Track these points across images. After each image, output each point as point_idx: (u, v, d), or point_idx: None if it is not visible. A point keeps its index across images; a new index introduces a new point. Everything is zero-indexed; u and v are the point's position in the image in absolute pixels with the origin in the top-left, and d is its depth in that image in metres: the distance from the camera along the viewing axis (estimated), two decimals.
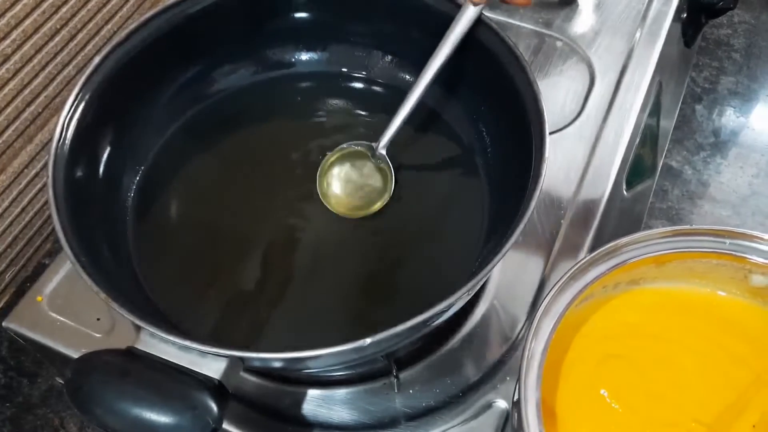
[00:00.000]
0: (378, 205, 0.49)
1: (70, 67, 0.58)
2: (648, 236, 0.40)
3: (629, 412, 0.37)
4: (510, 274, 0.51)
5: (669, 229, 0.39)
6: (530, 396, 0.34)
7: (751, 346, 0.39)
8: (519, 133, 0.44)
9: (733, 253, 0.39)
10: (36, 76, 0.55)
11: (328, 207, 0.49)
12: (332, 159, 0.51)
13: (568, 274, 0.38)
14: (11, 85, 0.53)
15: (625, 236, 0.40)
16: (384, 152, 0.49)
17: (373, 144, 0.50)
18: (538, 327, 0.36)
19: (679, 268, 0.40)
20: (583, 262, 0.39)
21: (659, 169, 0.74)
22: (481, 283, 0.38)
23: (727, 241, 0.39)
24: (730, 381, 0.38)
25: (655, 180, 0.71)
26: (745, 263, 0.39)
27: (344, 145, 0.51)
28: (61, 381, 0.59)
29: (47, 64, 0.56)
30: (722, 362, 0.39)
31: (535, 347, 0.36)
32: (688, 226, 0.40)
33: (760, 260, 0.39)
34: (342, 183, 0.50)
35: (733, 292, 0.41)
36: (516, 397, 0.35)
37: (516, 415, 0.35)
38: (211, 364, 0.35)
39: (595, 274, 0.39)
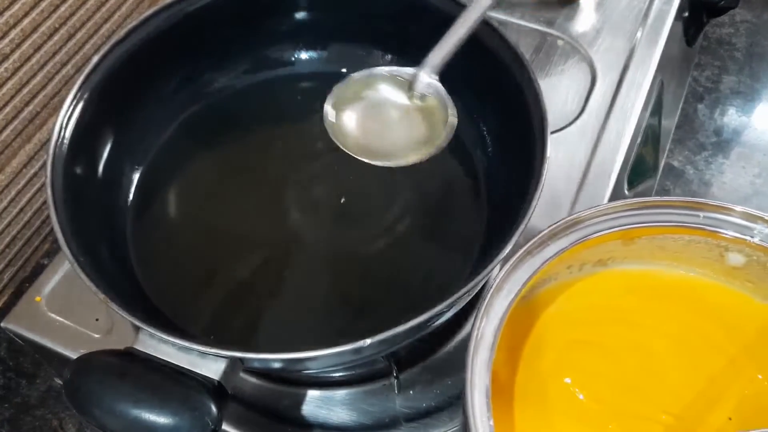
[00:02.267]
0: (417, 156, 0.36)
1: (69, 66, 0.58)
2: (613, 208, 0.36)
3: (594, 402, 0.35)
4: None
5: (636, 200, 0.35)
6: (477, 380, 0.31)
7: (726, 332, 0.36)
8: (520, 132, 0.44)
9: (707, 227, 0.36)
10: (35, 75, 0.55)
11: (344, 148, 0.37)
12: (352, 88, 0.38)
13: (524, 249, 0.34)
14: (10, 84, 0.53)
15: (588, 208, 0.36)
16: (437, 80, 0.37)
17: (413, 70, 0.37)
18: (489, 305, 0.33)
19: (649, 247, 0.37)
20: (540, 236, 0.35)
21: (661, 168, 0.73)
22: (481, 284, 0.38)
23: (701, 214, 0.36)
24: (704, 369, 0.35)
25: (656, 180, 0.71)
26: (720, 239, 0.36)
27: (372, 71, 0.38)
28: (59, 382, 0.59)
29: (46, 63, 0.56)
30: (696, 349, 0.36)
31: (486, 327, 0.32)
32: (657, 198, 0.36)
33: (737, 235, 0.36)
34: (364, 122, 0.37)
35: (708, 274, 0.38)
36: (465, 381, 0.32)
37: (464, 399, 0.32)
38: (211, 364, 0.35)
39: (555, 250, 0.35)
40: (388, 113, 0.37)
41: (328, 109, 0.38)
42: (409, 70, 0.37)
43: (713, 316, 0.37)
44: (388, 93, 0.38)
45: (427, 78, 0.37)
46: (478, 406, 0.30)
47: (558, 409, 0.35)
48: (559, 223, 0.36)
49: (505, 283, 0.34)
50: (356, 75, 0.38)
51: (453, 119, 0.36)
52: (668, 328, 0.37)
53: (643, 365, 0.36)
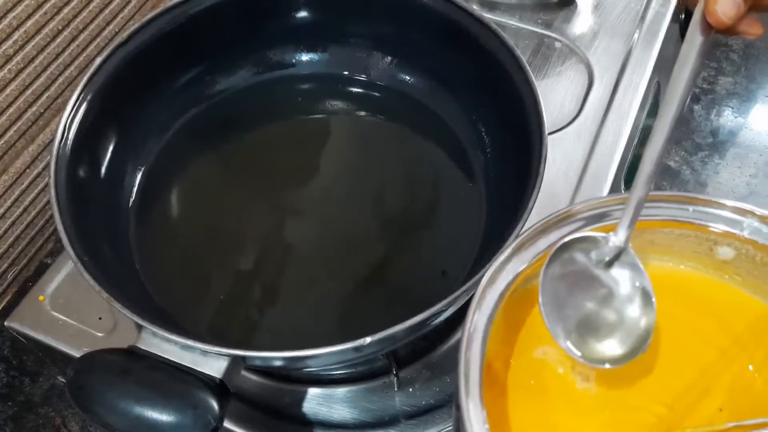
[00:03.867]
0: (637, 350, 0.33)
1: (72, 67, 0.58)
2: (604, 203, 0.36)
3: (587, 392, 0.35)
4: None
5: (627, 195, 0.35)
6: (471, 372, 0.31)
7: (717, 324, 0.37)
8: (518, 133, 0.44)
9: (697, 221, 0.36)
10: (38, 76, 0.55)
11: (575, 353, 0.33)
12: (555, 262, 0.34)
13: (517, 242, 0.35)
14: (13, 85, 0.53)
15: (580, 202, 0.36)
16: (630, 246, 0.34)
17: (606, 234, 0.34)
18: (482, 297, 0.33)
19: (639, 241, 0.36)
20: (532, 229, 0.35)
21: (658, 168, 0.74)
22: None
23: (690, 208, 0.36)
24: (696, 360, 0.36)
25: (653, 180, 0.71)
26: (710, 233, 0.36)
27: (569, 238, 0.34)
28: (62, 380, 0.59)
29: (49, 64, 0.56)
30: (687, 340, 0.36)
31: (479, 319, 0.32)
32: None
33: (726, 229, 0.36)
34: (577, 305, 0.34)
35: (698, 267, 0.38)
36: (458, 373, 0.32)
37: (457, 392, 0.32)
38: (213, 363, 0.36)
39: (547, 243, 0.35)
40: (595, 285, 0.34)
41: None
42: (601, 236, 0.34)
43: (704, 309, 0.37)
44: (584, 260, 0.34)
45: (624, 242, 0.34)
46: (471, 398, 0.30)
47: (551, 399, 0.35)
48: (550, 217, 0.36)
49: (498, 276, 0.34)
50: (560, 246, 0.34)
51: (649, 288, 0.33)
52: (659, 319, 0.36)
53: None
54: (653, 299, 0.34)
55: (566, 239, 0.34)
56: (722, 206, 0.36)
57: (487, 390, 0.31)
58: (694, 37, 0.32)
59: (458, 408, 0.31)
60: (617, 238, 0.34)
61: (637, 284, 0.34)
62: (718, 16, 0.31)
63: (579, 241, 0.34)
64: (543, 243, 0.35)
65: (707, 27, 0.31)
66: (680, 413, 0.34)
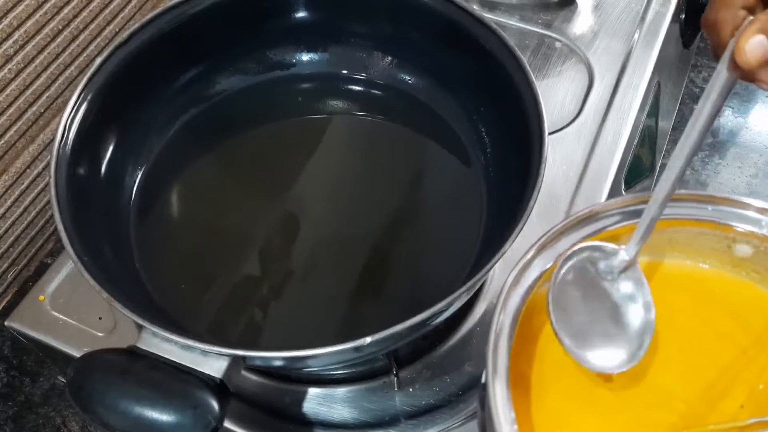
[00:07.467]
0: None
1: (72, 67, 0.59)
2: (624, 203, 0.37)
3: (608, 391, 0.35)
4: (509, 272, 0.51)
5: (647, 195, 0.35)
6: (498, 373, 0.31)
7: (736, 321, 0.37)
8: (518, 133, 0.44)
9: (716, 220, 0.37)
10: (38, 76, 0.56)
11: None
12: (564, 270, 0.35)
13: (539, 243, 0.35)
14: (13, 85, 0.54)
15: (599, 203, 0.37)
16: (638, 261, 0.35)
17: (617, 247, 0.35)
18: (506, 298, 0.34)
19: (658, 240, 0.37)
20: (554, 230, 0.36)
21: (658, 169, 0.74)
22: (480, 282, 0.39)
23: (710, 207, 0.37)
24: (715, 357, 0.36)
25: (653, 180, 0.72)
26: (729, 231, 0.37)
27: (581, 245, 0.35)
28: (63, 380, 0.59)
29: (49, 64, 0.56)
30: (707, 339, 0.36)
31: (504, 320, 0.33)
32: None
33: (745, 227, 0.36)
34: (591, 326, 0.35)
35: (716, 264, 0.38)
36: (484, 374, 0.33)
37: (484, 392, 0.33)
38: (213, 363, 0.36)
39: (568, 243, 0.36)
40: (603, 296, 0.36)
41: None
42: (613, 247, 0.35)
43: (723, 307, 0.37)
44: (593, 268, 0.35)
45: (633, 255, 0.35)
46: (499, 398, 0.31)
47: (573, 398, 0.35)
48: (572, 218, 0.36)
49: (522, 276, 0.35)
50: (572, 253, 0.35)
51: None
52: (679, 318, 0.37)
53: (655, 354, 0.36)
54: (653, 314, 0.35)
55: (578, 246, 0.35)
56: (741, 204, 0.37)
57: (512, 389, 0.31)
58: (720, 73, 0.32)
59: (485, 408, 0.31)
60: (627, 253, 0.35)
61: (640, 299, 0.35)
62: (745, 56, 0.31)
63: (590, 249, 0.35)
64: (563, 244, 0.36)
65: (734, 66, 0.32)
66: (701, 411, 0.35)
